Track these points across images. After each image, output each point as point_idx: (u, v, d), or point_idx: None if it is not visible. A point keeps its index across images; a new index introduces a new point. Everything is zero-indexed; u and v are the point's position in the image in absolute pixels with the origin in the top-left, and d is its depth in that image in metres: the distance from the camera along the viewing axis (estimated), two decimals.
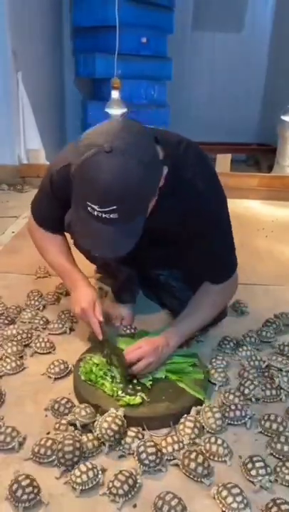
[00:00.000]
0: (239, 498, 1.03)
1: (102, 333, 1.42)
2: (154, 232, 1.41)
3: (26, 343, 1.60)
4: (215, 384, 1.44)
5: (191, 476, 1.11)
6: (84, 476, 1.07)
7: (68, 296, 1.68)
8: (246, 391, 1.38)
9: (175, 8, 4.74)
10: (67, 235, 1.59)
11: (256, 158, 5.44)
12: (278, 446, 1.19)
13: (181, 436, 1.22)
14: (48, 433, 1.23)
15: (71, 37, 4.97)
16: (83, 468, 1.08)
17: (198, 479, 1.11)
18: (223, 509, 1.04)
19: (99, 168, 1.04)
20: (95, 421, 1.24)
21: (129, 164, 1.04)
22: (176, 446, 1.18)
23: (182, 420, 1.26)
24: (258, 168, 5.17)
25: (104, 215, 1.07)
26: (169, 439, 1.19)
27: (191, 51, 5.58)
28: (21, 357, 1.54)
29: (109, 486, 1.07)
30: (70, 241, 1.61)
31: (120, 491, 1.05)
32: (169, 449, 1.17)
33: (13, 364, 1.47)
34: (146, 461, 1.13)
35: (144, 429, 1.24)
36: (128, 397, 1.29)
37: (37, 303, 1.86)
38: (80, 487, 1.06)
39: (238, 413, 1.28)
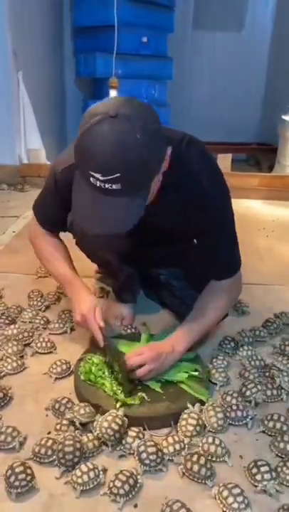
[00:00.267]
0: (240, 499, 1.03)
1: (103, 339, 1.42)
2: (158, 230, 1.41)
3: (27, 342, 1.60)
4: (216, 384, 1.44)
5: (195, 479, 1.11)
6: (85, 477, 1.07)
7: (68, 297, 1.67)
8: (248, 393, 1.36)
9: (175, 8, 4.73)
10: (70, 236, 1.59)
11: (257, 157, 5.42)
12: (281, 445, 1.19)
13: (182, 432, 1.23)
14: (49, 433, 1.23)
15: (71, 37, 4.96)
16: (84, 468, 1.08)
17: (203, 481, 1.11)
18: (224, 509, 1.03)
19: (103, 134, 1.03)
20: (94, 420, 1.23)
21: (134, 130, 1.03)
22: (177, 446, 1.18)
23: (184, 416, 1.26)
24: (259, 168, 5.16)
25: (107, 185, 1.05)
26: (170, 439, 1.19)
27: (191, 51, 5.57)
28: (22, 356, 1.54)
29: (109, 486, 1.07)
30: (72, 241, 1.61)
31: (121, 491, 1.05)
32: (170, 449, 1.17)
33: (14, 364, 1.47)
34: (147, 461, 1.13)
35: (144, 429, 1.24)
36: (122, 397, 1.29)
37: (39, 303, 1.86)
38: (81, 487, 1.06)
39: (239, 413, 1.28)
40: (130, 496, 1.06)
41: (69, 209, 1.26)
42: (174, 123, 4.51)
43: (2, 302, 1.85)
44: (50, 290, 1.93)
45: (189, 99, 5.59)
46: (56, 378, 1.45)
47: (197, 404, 1.31)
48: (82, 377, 1.37)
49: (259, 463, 1.12)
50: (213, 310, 1.48)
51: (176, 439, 1.19)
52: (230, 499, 1.03)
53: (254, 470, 1.11)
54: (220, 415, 1.26)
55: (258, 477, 1.09)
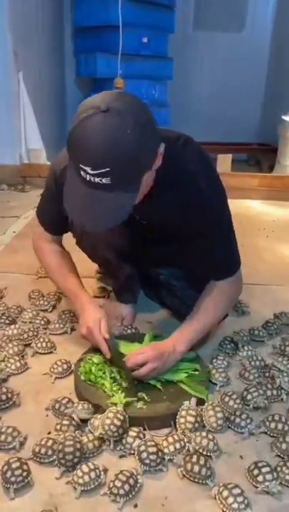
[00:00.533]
0: (240, 499, 1.03)
1: (109, 351, 1.41)
2: (155, 228, 1.41)
3: (29, 342, 1.60)
4: (216, 384, 1.44)
5: (196, 480, 1.11)
6: (86, 477, 1.07)
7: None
8: (249, 397, 1.35)
9: (176, 8, 4.73)
10: (70, 237, 1.60)
11: (257, 158, 5.42)
12: (283, 446, 1.19)
13: (180, 429, 1.23)
14: (49, 433, 1.24)
15: (72, 37, 4.97)
16: (85, 469, 1.08)
17: (204, 481, 1.11)
18: (224, 509, 1.03)
19: (94, 128, 1.03)
20: (92, 417, 1.24)
21: (124, 125, 1.03)
22: (177, 445, 1.18)
23: (183, 414, 1.26)
24: (259, 168, 5.16)
25: (96, 179, 1.05)
26: (170, 439, 1.19)
27: (192, 51, 5.57)
28: (22, 357, 1.54)
29: (110, 486, 1.07)
30: (73, 241, 1.61)
31: (121, 491, 1.05)
32: (171, 448, 1.17)
33: (18, 364, 1.47)
34: (147, 461, 1.13)
35: (144, 429, 1.24)
36: (119, 395, 1.29)
37: (46, 303, 1.85)
38: (82, 488, 1.06)
39: (242, 423, 1.26)
40: (130, 496, 1.06)
41: None
42: (174, 123, 4.52)
43: (2, 302, 1.86)
44: (50, 290, 1.93)
45: (189, 99, 5.59)
46: (57, 378, 1.45)
47: (193, 399, 1.31)
48: (82, 378, 1.38)
49: (260, 464, 1.12)
50: (213, 310, 1.47)
51: (176, 438, 1.20)
52: (231, 499, 1.03)
53: (255, 471, 1.11)
54: (219, 415, 1.26)
55: (260, 478, 1.09)
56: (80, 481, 1.07)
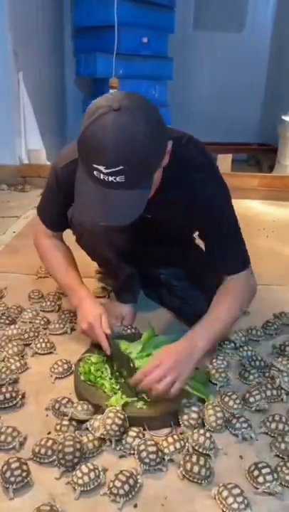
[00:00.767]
0: (240, 499, 1.03)
1: (109, 347, 1.41)
2: (159, 226, 1.41)
3: (29, 342, 1.60)
4: (216, 384, 1.43)
5: (195, 480, 1.11)
6: (86, 478, 1.07)
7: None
8: (251, 399, 1.34)
9: (176, 8, 4.73)
10: (71, 236, 1.60)
11: (257, 158, 5.43)
12: (282, 445, 1.19)
13: (183, 425, 1.24)
14: (49, 433, 1.24)
15: (72, 37, 4.97)
16: (85, 469, 1.08)
17: (203, 481, 1.11)
18: (224, 509, 1.03)
19: (107, 127, 1.03)
20: (90, 419, 1.24)
21: (137, 123, 1.03)
22: (177, 445, 1.18)
23: (186, 410, 1.26)
24: (259, 168, 5.16)
25: (110, 178, 1.05)
26: (170, 439, 1.19)
27: (191, 51, 5.57)
28: (22, 357, 1.54)
29: (109, 486, 1.07)
30: (73, 240, 1.62)
31: (121, 491, 1.05)
32: (171, 448, 1.18)
33: (18, 364, 1.47)
34: (147, 460, 1.13)
35: (144, 429, 1.24)
36: (116, 396, 1.30)
37: (52, 303, 1.85)
38: (82, 488, 1.06)
39: (236, 424, 1.25)
40: (130, 496, 1.06)
41: (71, 205, 1.25)
42: (174, 123, 4.50)
43: (2, 302, 1.86)
44: (50, 290, 1.93)
45: (189, 99, 5.59)
46: (57, 378, 1.45)
47: (195, 398, 1.31)
48: (82, 378, 1.38)
49: (260, 465, 1.11)
50: (227, 310, 1.41)
51: (176, 437, 1.20)
52: (230, 499, 1.03)
53: (256, 472, 1.10)
54: (219, 415, 1.27)
55: (260, 479, 1.09)
56: (80, 481, 1.07)
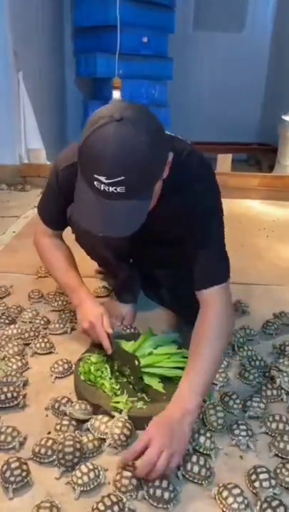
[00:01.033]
0: (240, 499, 1.03)
1: (111, 346, 1.41)
2: (156, 234, 1.41)
3: (29, 342, 1.60)
4: (216, 384, 1.43)
5: (195, 480, 1.11)
6: (85, 478, 1.07)
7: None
8: (248, 403, 1.33)
9: (176, 8, 4.74)
10: (70, 235, 1.60)
11: (257, 158, 5.43)
12: (281, 445, 1.19)
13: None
14: (49, 433, 1.24)
15: (72, 37, 4.97)
16: (84, 469, 1.08)
17: (203, 481, 1.11)
18: (224, 509, 1.03)
19: (108, 137, 1.03)
20: (89, 419, 1.24)
21: (138, 133, 1.03)
22: None
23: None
24: (259, 168, 5.16)
25: (111, 188, 1.05)
26: None
27: (191, 51, 5.57)
28: (23, 356, 1.54)
29: (117, 486, 1.07)
30: (72, 236, 1.62)
31: (130, 487, 1.06)
32: None
33: (19, 364, 1.47)
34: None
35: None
36: (122, 399, 1.30)
37: (60, 302, 1.84)
38: (82, 488, 1.07)
39: (235, 431, 1.24)
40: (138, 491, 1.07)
41: (71, 204, 1.24)
42: (174, 123, 4.51)
43: (2, 302, 1.85)
44: (50, 290, 1.93)
45: (189, 99, 5.59)
46: (57, 378, 1.45)
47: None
48: (82, 377, 1.38)
49: (258, 470, 1.10)
50: (210, 357, 1.26)
51: None
52: (230, 499, 1.03)
53: (253, 476, 1.10)
54: (220, 414, 1.27)
55: (257, 484, 1.08)
56: (79, 481, 1.07)
